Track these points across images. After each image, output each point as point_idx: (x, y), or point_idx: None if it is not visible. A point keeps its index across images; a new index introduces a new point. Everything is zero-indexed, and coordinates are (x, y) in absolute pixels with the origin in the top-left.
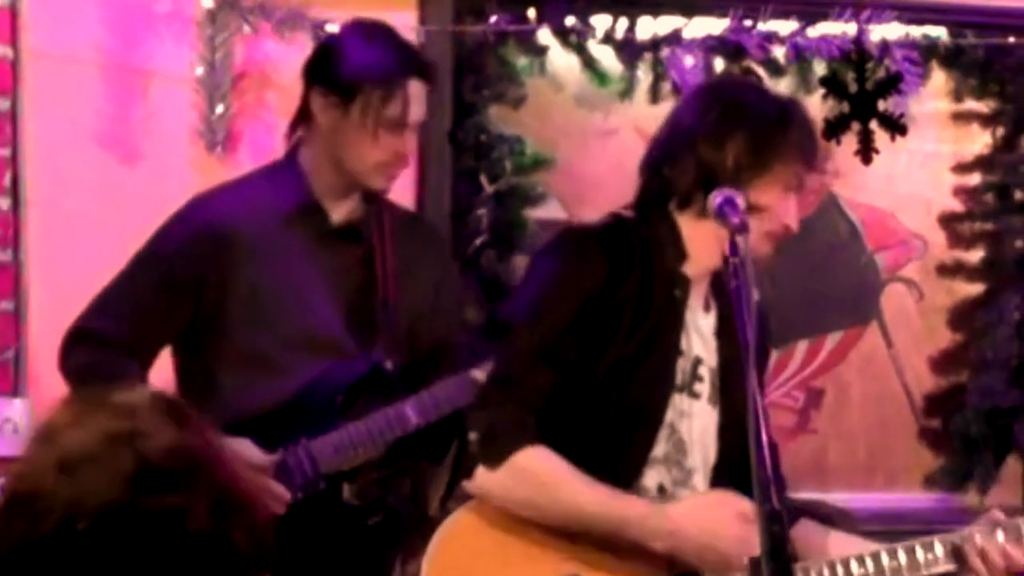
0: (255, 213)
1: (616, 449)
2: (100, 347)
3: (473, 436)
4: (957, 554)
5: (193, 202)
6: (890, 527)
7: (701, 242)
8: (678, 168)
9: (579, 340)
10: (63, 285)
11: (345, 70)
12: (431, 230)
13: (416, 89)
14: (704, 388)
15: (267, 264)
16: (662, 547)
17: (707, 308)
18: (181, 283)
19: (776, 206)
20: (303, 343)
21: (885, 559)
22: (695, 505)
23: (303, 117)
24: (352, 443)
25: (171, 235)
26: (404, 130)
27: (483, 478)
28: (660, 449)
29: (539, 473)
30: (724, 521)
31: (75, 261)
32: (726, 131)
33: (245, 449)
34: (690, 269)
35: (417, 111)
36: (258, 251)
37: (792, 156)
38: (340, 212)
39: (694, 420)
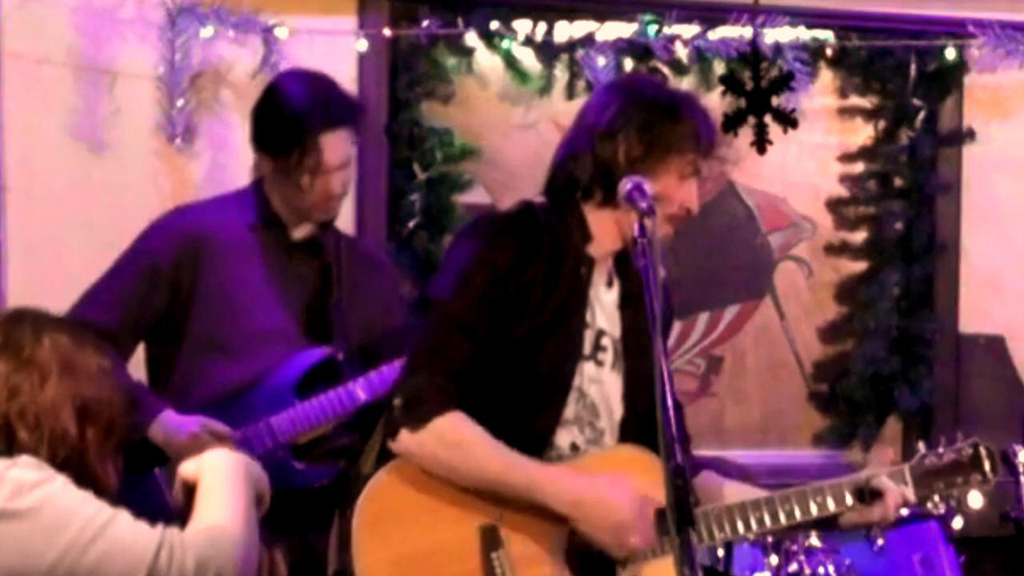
0: (226, 223)
1: (531, 412)
2: None
3: (398, 401)
4: (859, 493)
5: (174, 212)
6: (782, 481)
7: (603, 227)
8: (580, 163)
9: (493, 314)
10: (40, 263)
11: (265, 131)
12: (373, 252)
13: (333, 137)
14: (607, 356)
15: (235, 267)
16: (564, 512)
17: (610, 284)
18: (161, 277)
19: (673, 193)
20: (258, 336)
21: (778, 503)
22: (601, 481)
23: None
24: (307, 418)
25: (155, 236)
26: (330, 173)
27: (405, 439)
28: (571, 411)
29: (455, 437)
30: (623, 506)
31: (50, 241)
32: (619, 127)
33: (212, 424)
34: (594, 250)
35: (337, 156)
36: (228, 255)
37: (685, 147)
38: (300, 231)
39: (600, 385)
